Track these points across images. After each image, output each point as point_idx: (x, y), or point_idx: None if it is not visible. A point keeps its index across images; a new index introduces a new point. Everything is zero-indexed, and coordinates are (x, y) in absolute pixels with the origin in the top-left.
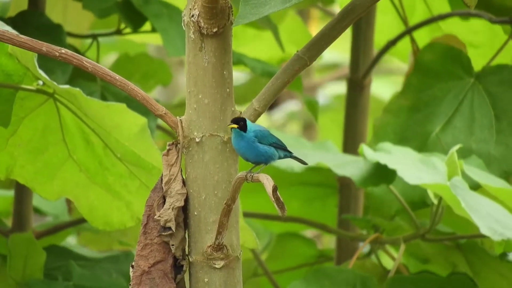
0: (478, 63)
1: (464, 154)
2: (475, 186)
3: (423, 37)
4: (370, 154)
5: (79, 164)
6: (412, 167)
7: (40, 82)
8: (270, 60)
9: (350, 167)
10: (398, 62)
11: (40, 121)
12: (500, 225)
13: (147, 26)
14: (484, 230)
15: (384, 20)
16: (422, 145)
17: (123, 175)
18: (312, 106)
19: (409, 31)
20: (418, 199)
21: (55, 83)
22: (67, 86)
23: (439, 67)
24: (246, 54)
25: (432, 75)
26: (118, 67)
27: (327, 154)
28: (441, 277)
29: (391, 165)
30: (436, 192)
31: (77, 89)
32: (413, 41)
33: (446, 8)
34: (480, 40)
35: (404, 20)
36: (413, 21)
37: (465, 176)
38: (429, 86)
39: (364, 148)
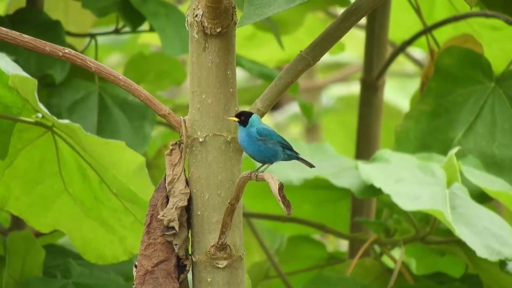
0: (505, 44)
1: (486, 159)
2: (476, 192)
3: (447, 32)
4: (365, 173)
5: (74, 197)
6: (409, 181)
7: (39, 115)
8: (291, 57)
9: (348, 176)
10: (409, 67)
11: (37, 153)
12: (497, 241)
13: (145, 25)
14: (480, 253)
15: (404, 16)
16: (444, 151)
17: (117, 210)
18: (306, 109)
19: (426, 30)
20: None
21: (54, 117)
22: (67, 121)
23: (459, 71)
24: (267, 51)
25: (451, 80)
26: (132, 66)
27: (324, 160)
28: (443, 286)
29: (385, 188)
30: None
31: (77, 124)
32: (429, 42)
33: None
34: (503, 23)
35: (421, 17)
36: (434, 15)
37: (464, 180)
38: (449, 92)
39: (360, 165)
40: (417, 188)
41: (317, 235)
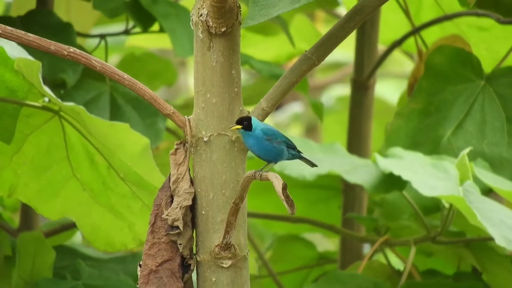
0: (492, 44)
1: (476, 157)
2: (487, 190)
3: (434, 32)
4: (384, 163)
5: (83, 183)
6: (425, 174)
7: (46, 99)
8: (278, 58)
9: (361, 173)
10: (401, 64)
11: (45, 139)
12: None
13: (155, 26)
14: (499, 241)
15: (392, 17)
16: (434, 149)
17: (126, 196)
18: (317, 108)
19: (415, 31)
20: (432, 205)
21: (60, 100)
22: (72, 104)
23: (449, 70)
24: (256, 52)
25: (442, 78)
26: (124, 66)
27: (337, 158)
28: (454, 283)
29: (405, 175)
30: (451, 203)
31: (81, 107)
32: (417, 42)
33: (454, 2)
34: (491, 23)
35: (409, 18)
36: (421, 16)
37: (475, 179)
38: (440, 90)
39: (377, 157)
40: (433, 181)
41: (319, 236)
